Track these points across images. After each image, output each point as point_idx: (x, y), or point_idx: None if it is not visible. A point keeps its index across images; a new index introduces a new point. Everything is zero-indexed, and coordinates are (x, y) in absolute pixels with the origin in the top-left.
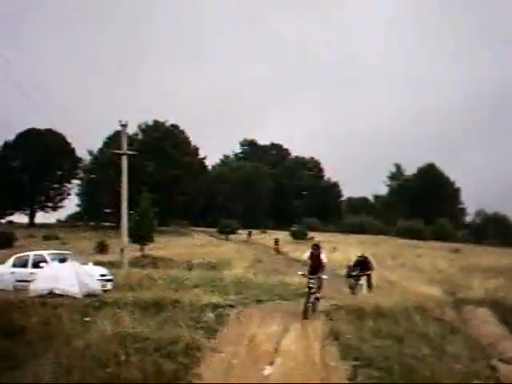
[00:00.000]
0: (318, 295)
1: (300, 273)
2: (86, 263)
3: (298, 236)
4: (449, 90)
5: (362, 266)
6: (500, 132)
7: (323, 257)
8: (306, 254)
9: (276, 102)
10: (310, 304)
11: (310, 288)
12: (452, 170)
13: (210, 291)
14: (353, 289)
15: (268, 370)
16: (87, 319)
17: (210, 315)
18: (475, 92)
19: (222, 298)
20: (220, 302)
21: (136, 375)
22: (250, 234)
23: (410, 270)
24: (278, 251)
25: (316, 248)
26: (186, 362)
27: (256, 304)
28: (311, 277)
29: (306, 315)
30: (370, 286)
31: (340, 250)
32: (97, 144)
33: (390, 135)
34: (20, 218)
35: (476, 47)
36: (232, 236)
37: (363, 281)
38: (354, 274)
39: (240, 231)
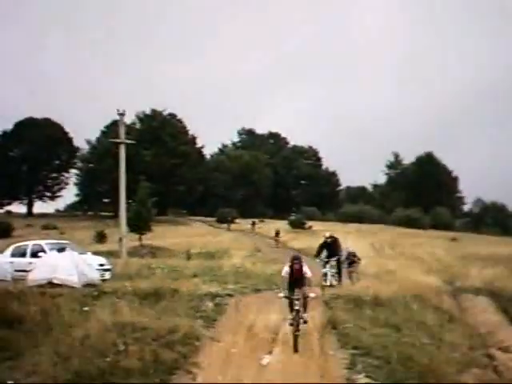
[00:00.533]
0: (305, 317)
1: (281, 295)
2: (84, 253)
3: (297, 225)
4: (449, 77)
5: (330, 249)
6: (500, 120)
7: (306, 270)
8: (284, 270)
9: (275, 90)
10: (298, 333)
11: (296, 312)
12: (450, 159)
13: (209, 280)
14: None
15: (266, 359)
16: (86, 309)
17: (209, 304)
18: (476, 79)
19: (220, 288)
20: (219, 291)
21: (135, 364)
22: (253, 224)
23: (409, 259)
24: (277, 243)
25: (296, 261)
26: (184, 351)
27: (255, 293)
28: (294, 297)
29: (296, 347)
30: (339, 274)
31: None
32: (94, 133)
33: (389, 124)
34: (18, 207)
35: (476, 34)
36: (226, 225)
37: (328, 268)
38: (321, 259)
39: (238, 220)
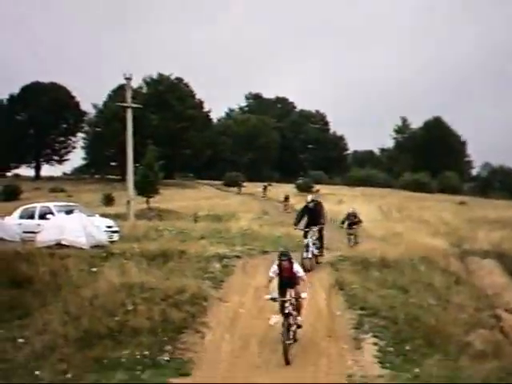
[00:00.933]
0: (298, 321)
1: (267, 297)
2: (92, 215)
3: (304, 189)
4: (458, 40)
5: (311, 215)
6: (510, 84)
7: (297, 268)
8: (271, 270)
9: (283, 54)
10: (290, 341)
11: (286, 316)
12: (459, 123)
13: (216, 242)
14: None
15: (274, 319)
16: (94, 269)
17: (216, 266)
18: (486, 42)
19: (228, 249)
20: (226, 252)
21: (144, 323)
22: (265, 188)
23: (416, 223)
24: (286, 207)
25: (285, 258)
26: (192, 311)
27: (262, 255)
28: (285, 299)
29: (287, 357)
30: (321, 243)
31: (346, 202)
32: (101, 97)
33: (397, 88)
34: (26, 171)
35: None
36: (236, 189)
37: (309, 238)
38: (301, 228)
39: (245, 184)
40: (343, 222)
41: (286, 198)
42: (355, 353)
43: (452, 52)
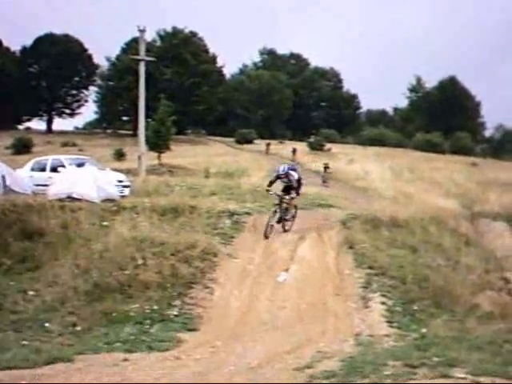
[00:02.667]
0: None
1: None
2: (103, 169)
3: (315, 147)
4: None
5: (284, 185)
6: None
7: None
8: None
9: (297, 10)
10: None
11: (279, 205)
12: (474, 84)
13: (227, 199)
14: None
15: (283, 276)
16: (105, 223)
17: (227, 222)
18: (506, 2)
19: (238, 206)
20: (237, 209)
21: (153, 278)
22: (268, 145)
23: (427, 183)
24: (293, 160)
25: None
26: (202, 267)
27: None
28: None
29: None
30: (291, 215)
31: (357, 161)
32: (115, 50)
33: (412, 46)
34: (38, 124)
35: None
36: (249, 146)
37: (279, 205)
38: (276, 193)
39: (257, 141)
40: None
41: (294, 151)
42: (363, 312)
43: (469, 11)
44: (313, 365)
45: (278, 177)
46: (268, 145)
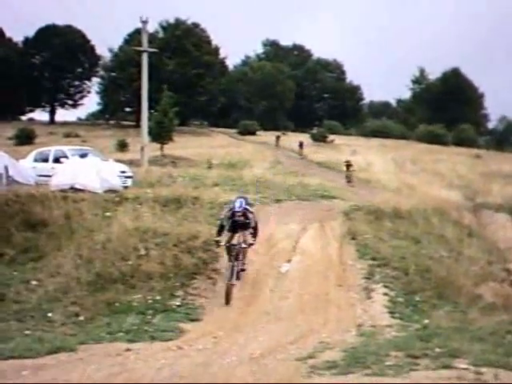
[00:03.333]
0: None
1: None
2: (106, 160)
3: (318, 138)
4: None
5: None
6: None
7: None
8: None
9: (300, 1)
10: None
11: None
12: (477, 76)
13: (230, 190)
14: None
15: (285, 267)
16: (108, 214)
17: None
18: None
19: None
20: None
21: (156, 268)
22: (278, 138)
23: (430, 175)
24: (301, 154)
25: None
26: (204, 258)
27: (275, 203)
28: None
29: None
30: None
31: (360, 153)
32: (117, 41)
33: (416, 38)
34: (40, 115)
35: None
36: (251, 137)
37: (235, 257)
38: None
39: (260, 133)
40: None
41: (301, 145)
42: (365, 302)
43: (473, 2)
44: (315, 355)
45: (233, 216)
46: (278, 137)
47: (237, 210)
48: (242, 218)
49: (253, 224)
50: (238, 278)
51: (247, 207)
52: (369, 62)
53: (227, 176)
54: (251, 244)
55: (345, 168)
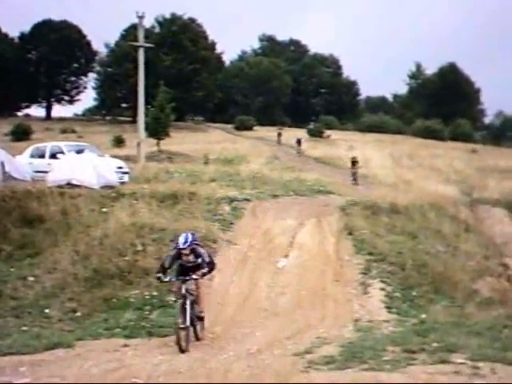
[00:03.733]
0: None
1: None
2: (102, 155)
3: (315, 134)
4: None
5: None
6: None
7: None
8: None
9: None
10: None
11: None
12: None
13: (227, 185)
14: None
15: (282, 263)
16: (105, 210)
17: (226, 208)
18: None
19: (237, 192)
20: (236, 195)
21: (153, 264)
22: (279, 135)
23: (427, 170)
24: (299, 152)
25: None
26: None
27: (272, 199)
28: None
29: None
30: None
31: (357, 148)
32: (113, 37)
33: (412, 33)
34: (37, 111)
35: None
36: (248, 133)
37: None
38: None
39: (257, 128)
40: None
41: (299, 142)
42: (362, 298)
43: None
44: (312, 350)
45: (179, 256)
46: (279, 134)
47: (181, 246)
48: (190, 258)
49: (207, 259)
50: (192, 324)
51: (196, 242)
52: (365, 57)
53: (224, 171)
54: (204, 274)
55: (350, 165)
